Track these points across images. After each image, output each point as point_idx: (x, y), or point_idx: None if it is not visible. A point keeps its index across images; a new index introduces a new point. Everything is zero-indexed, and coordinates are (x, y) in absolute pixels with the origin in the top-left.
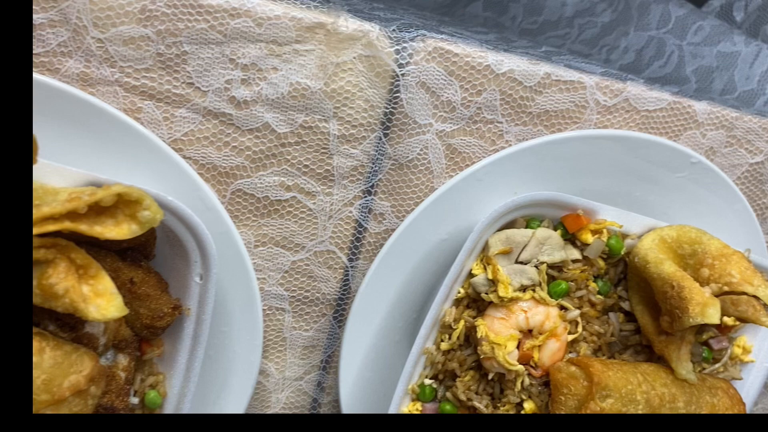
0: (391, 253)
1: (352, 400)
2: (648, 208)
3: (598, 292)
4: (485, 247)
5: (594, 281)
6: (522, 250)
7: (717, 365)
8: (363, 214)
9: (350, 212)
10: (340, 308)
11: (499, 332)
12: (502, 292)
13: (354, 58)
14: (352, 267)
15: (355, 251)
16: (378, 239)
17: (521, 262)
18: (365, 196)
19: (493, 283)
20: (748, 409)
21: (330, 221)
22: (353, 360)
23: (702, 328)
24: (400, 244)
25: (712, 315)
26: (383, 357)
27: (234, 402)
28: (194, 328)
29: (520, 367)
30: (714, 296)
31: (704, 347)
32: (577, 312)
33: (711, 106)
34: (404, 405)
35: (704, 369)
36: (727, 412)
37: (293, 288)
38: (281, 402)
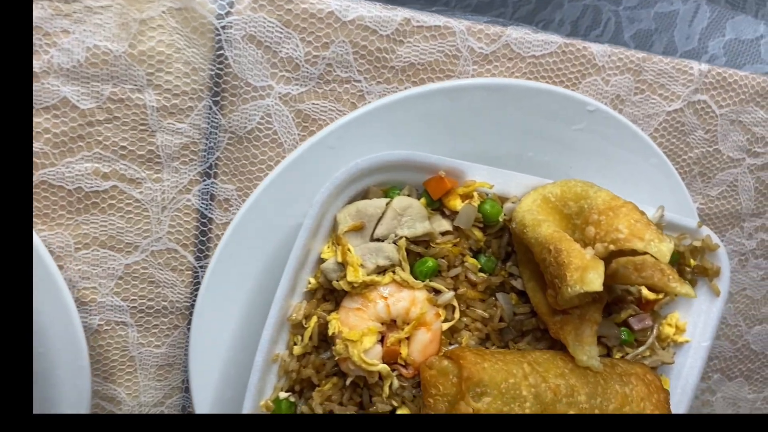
0: (234, 245)
1: None
2: (546, 170)
3: (480, 270)
4: (334, 226)
5: (474, 257)
6: (377, 224)
7: (641, 348)
8: (204, 201)
9: (188, 200)
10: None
11: (355, 326)
12: (351, 276)
13: (162, 12)
14: (201, 267)
15: (203, 248)
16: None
17: (378, 240)
18: (204, 180)
19: (344, 266)
20: (689, 398)
21: (165, 213)
22: (207, 379)
23: (619, 305)
24: (243, 233)
25: (592, 281)
26: (242, 371)
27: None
28: None
29: (383, 367)
30: (598, 258)
31: (623, 329)
32: (450, 294)
33: (612, 47)
34: None
35: (626, 354)
36: (643, 403)
37: (133, 297)
38: None
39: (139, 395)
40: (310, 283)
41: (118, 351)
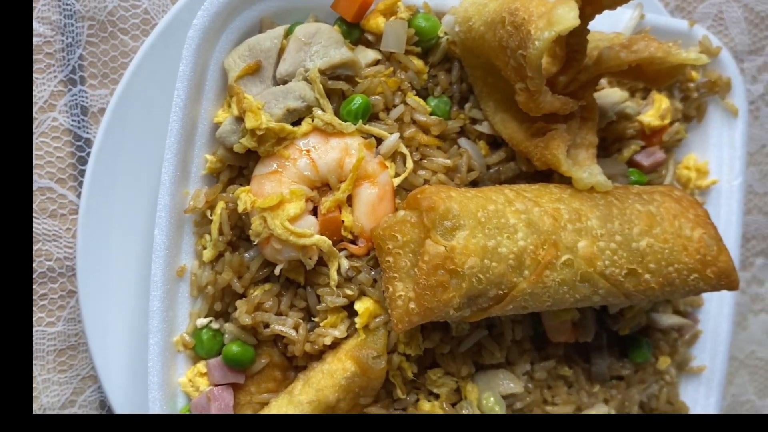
0: (107, 162)
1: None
2: None
3: (432, 114)
4: (225, 78)
5: (421, 99)
6: (278, 60)
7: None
8: (74, 117)
9: (55, 119)
10: None
11: (269, 196)
12: (250, 123)
13: None
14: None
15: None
16: None
17: (282, 82)
18: (69, 89)
19: (243, 121)
20: (736, 252)
21: None
22: (112, 353)
23: (620, 143)
24: (116, 144)
25: (563, 16)
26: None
27: None
28: None
29: (320, 239)
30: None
31: (631, 170)
32: (394, 137)
33: None
34: (179, 373)
35: None
36: (678, 221)
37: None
38: None
39: (38, 396)
40: (208, 161)
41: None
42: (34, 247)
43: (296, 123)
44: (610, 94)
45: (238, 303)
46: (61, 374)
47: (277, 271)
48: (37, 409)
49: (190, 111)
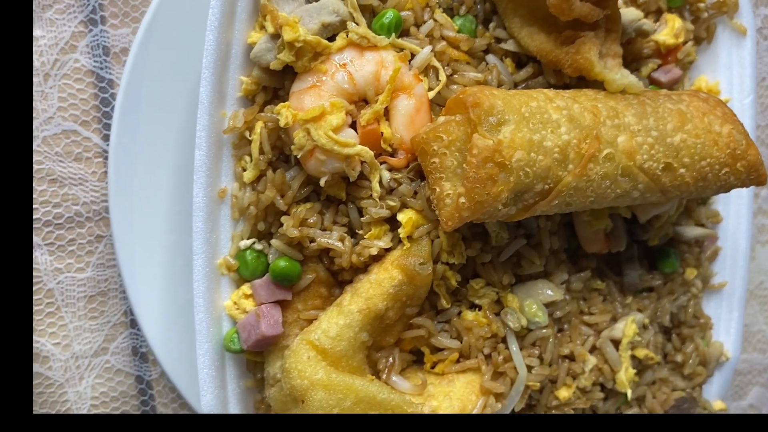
0: (134, 101)
1: (178, 357)
2: None
3: (459, 32)
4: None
5: (448, 17)
6: None
7: None
8: (96, 58)
9: (77, 61)
10: None
11: (310, 108)
12: (288, 35)
13: None
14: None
15: (109, 122)
16: None
17: None
18: (90, 29)
19: (279, 38)
20: None
21: (50, 83)
22: (149, 291)
23: (637, 62)
24: (141, 82)
25: None
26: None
27: None
28: None
29: (363, 149)
30: None
31: (651, 86)
32: (427, 50)
33: None
34: (223, 297)
35: None
36: (707, 118)
37: (34, 207)
38: (87, 398)
39: (71, 343)
40: (244, 83)
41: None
42: (61, 191)
43: (330, 39)
44: (627, 13)
45: (284, 218)
46: (92, 321)
47: (322, 183)
48: (70, 356)
49: (224, 33)
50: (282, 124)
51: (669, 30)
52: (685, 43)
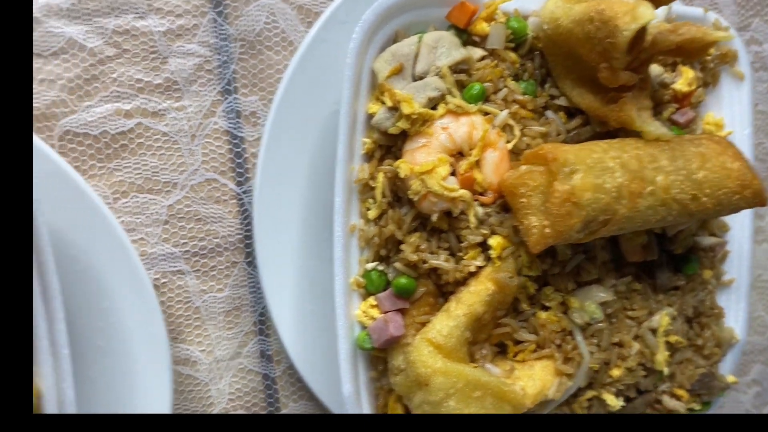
0: (273, 154)
1: (305, 356)
2: None
3: (524, 93)
4: (374, 78)
5: (515, 82)
6: (415, 62)
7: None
8: (231, 120)
9: (215, 123)
10: (250, 249)
11: (423, 163)
12: (406, 109)
13: None
14: (244, 193)
15: (241, 170)
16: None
17: (419, 78)
18: (225, 98)
19: (396, 110)
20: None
21: (195, 142)
22: (284, 304)
23: (660, 107)
24: (278, 139)
25: (644, 13)
26: (318, 282)
27: (152, 402)
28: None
29: (464, 192)
30: None
31: (672, 127)
32: (505, 112)
33: None
34: (354, 307)
35: None
36: (722, 158)
37: (182, 240)
38: (225, 394)
39: (213, 350)
40: (365, 143)
41: (181, 304)
42: (205, 228)
43: (432, 108)
44: (651, 69)
45: (403, 246)
46: (228, 331)
47: (434, 218)
48: (212, 360)
49: (353, 105)
50: (402, 175)
51: (684, 80)
52: (696, 89)
